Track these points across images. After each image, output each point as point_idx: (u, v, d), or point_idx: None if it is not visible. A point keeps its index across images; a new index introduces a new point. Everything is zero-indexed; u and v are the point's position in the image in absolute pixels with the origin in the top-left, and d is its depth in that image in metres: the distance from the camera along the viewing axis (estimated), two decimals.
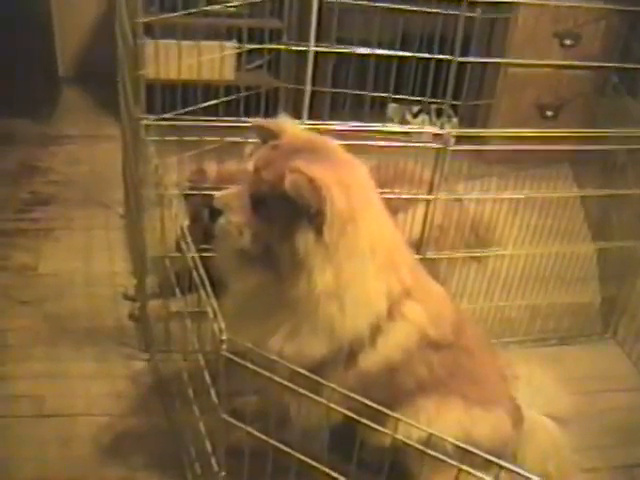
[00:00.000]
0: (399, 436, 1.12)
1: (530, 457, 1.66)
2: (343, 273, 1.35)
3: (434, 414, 1.55)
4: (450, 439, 1.07)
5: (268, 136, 1.44)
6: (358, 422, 1.13)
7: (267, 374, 1.17)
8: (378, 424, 1.13)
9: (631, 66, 2.86)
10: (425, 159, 1.99)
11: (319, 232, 1.30)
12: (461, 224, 2.14)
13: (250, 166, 1.39)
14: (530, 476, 0.99)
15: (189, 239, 1.48)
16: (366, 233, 1.37)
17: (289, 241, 1.32)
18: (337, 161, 1.40)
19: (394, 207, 1.85)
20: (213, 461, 1.37)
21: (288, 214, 1.31)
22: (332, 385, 1.17)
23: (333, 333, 1.41)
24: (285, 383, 1.16)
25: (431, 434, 1.08)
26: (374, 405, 1.12)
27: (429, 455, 1.08)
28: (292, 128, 1.45)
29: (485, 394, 1.61)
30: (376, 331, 1.44)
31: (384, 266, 1.42)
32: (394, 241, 1.50)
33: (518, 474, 1.02)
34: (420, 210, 1.96)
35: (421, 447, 1.09)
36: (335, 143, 1.45)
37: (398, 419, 1.12)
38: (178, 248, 1.77)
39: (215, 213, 1.38)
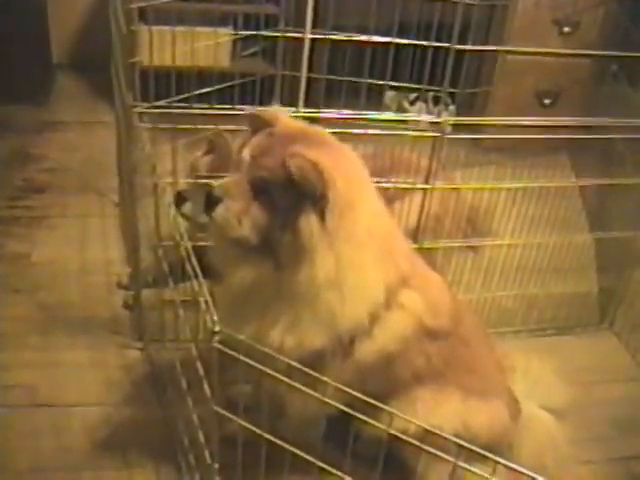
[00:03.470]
0: (395, 432, 1.12)
1: (527, 449, 1.66)
2: (343, 260, 1.35)
3: (431, 404, 1.55)
4: (446, 435, 1.05)
5: (261, 125, 1.43)
6: (354, 415, 1.12)
7: (261, 367, 1.16)
8: (374, 415, 1.12)
9: (630, 54, 2.83)
10: (422, 147, 1.98)
11: (322, 216, 1.30)
12: (458, 213, 2.12)
13: (246, 154, 1.37)
14: (527, 472, 0.98)
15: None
16: (363, 220, 1.37)
17: (291, 227, 1.31)
18: (332, 148, 1.39)
19: (391, 196, 1.83)
20: (206, 452, 1.36)
21: (290, 200, 1.30)
22: (329, 380, 1.15)
23: (333, 322, 1.40)
24: (279, 377, 1.15)
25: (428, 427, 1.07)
26: (370, 400, 1.11)
27: (425, 450, 1.06)
28: (285, 117, 1.45)
29: (483, 384, 1.61)
30: (374, 320, 1.43)
31: (381, 254, 1.42)
32: (390, 229, 1.49)
33: (514, 470, 1.01)
34: (417, 199, 1.94)
35: (416, 442, 1.08)
36: (327, 132, 1.45)
37: (393, 413, 1.11)
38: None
39: (213, 201, 1.35)
